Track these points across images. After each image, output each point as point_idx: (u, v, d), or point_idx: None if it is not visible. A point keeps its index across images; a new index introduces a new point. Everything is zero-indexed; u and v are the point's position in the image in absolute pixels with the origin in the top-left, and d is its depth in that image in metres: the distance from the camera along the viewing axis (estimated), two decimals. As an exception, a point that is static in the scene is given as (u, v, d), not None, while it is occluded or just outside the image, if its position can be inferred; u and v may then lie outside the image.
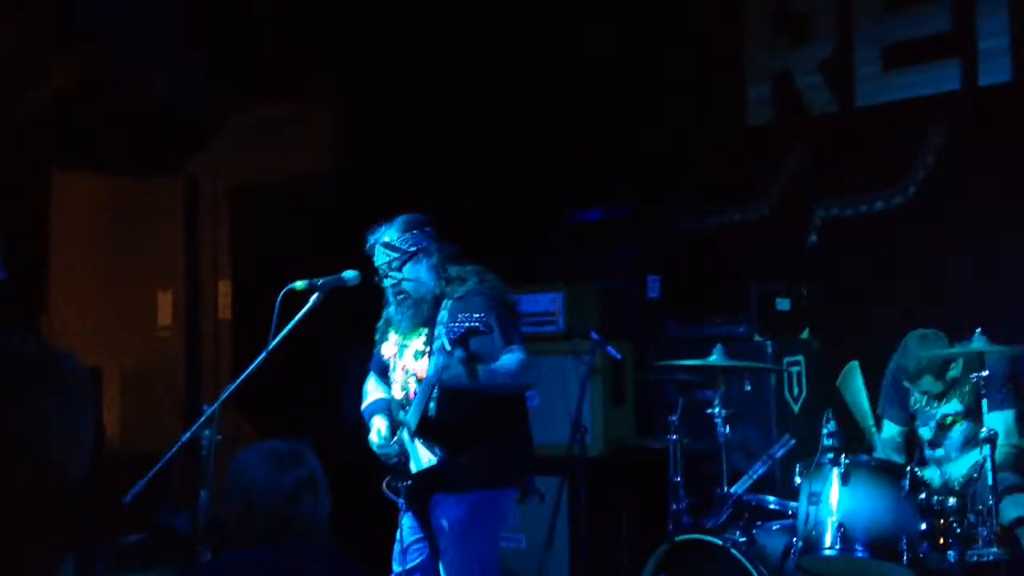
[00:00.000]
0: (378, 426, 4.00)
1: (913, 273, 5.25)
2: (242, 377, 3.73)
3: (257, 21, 6.39)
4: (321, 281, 3.92)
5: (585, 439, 5.06)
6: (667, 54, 6.16)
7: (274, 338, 3.78)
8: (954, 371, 4.30)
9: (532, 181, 6.41)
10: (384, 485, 4.01)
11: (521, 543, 5.66)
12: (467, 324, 3.69)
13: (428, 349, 3.92)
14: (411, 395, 3.97)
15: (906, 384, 4.46)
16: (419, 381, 3.94)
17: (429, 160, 6.70)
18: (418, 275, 3.96)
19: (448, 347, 3.71)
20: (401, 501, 3.96)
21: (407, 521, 4.00)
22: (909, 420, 4.60)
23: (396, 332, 4.08)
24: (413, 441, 3.88)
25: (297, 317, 3.88)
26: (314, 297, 3.91)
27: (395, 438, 3.93)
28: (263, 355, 3.76)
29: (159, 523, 6.15)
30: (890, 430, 4.68)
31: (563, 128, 6.36)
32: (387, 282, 3.99)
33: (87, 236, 7.98)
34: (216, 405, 3.70)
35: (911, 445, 4.56)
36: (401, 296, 3.98)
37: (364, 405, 4.16)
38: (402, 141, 6.84)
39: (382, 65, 6.86)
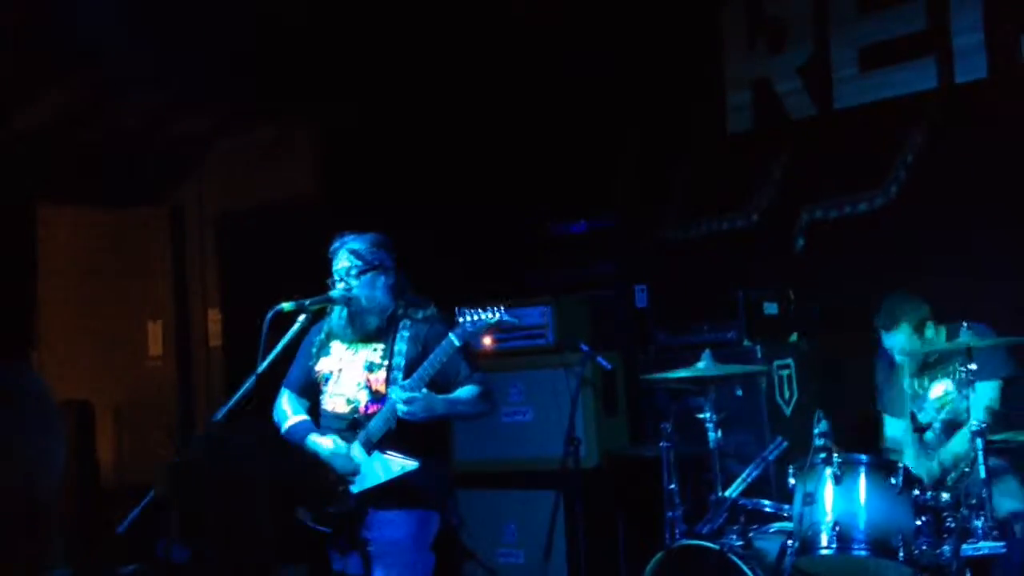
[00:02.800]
0: (328, 442, 3.97)
1: (898, 272, 5.26)
2: (233, 400, 3.75)
3: (237, 49, 6.41)
4: (308, 301, 3.94)
5: (579, 451, 5.07)
6: (647, 65, 6.19)
7: (263, 360, 3.80)
8: (928, 332, 4.43)
9: (517, 196, 6.43)
10: (309, 519, 3.97)
11: (520, 558, 5.66)
12: (491, 319, 3.84)
13: (388, 363, 3.95)
14: (362, 408, 3.97)
15: (885, 340, 4.53)
16: (373, 393, 3.96)
17: (414, 180, 6.72)
18: (373, 289, 4.01)
19: (457, 343, 3.83)
20: (328, 531, 3.95)
21: (336, 549, 3.98)
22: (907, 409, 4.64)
23: (342, 342, 4.08)
24: (372, 455, 3.88)
25: (286, 338, 3.91)
26: (302, 318, 3.93)
27: (350, 453, 3.93)
28: (253, 377, 3.77)
29: (156, 554, 6.12)
30: (893, 428, 4.70)
31: (546, 142, 6.38)
32: (338, 290, 4.00)
33: (75, 269, 7.96)
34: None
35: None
36: (351, 304, 3.99)
37: (288, 425, 4.09)
38: (386, 162, 6.87)
39: (363, 87, 6.88)
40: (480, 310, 3.89)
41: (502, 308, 3.89)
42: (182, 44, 6.20)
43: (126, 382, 7.94)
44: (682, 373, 4.45)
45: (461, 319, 3.90)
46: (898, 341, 4.52)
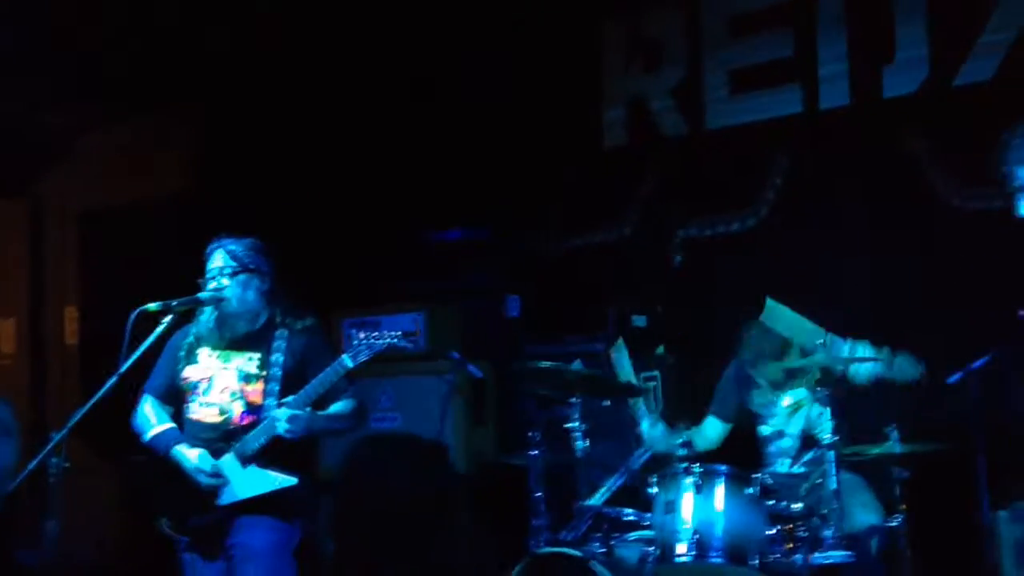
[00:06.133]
0: (194, 455, 3.89)
1: (768, 290, 5.43)
2: (92, 401, 3.62)
3: (107, 43, 6.23)
4: (175, 302, 3.85)
5: (447, 458, 5.08)
6: (526, 78, 6.25)
7: (125, 361, 3.69)
8: (791, 361, 4.52)
9: (392, 202, 6.41)
10: (167, 526, 3.93)
11: (384, 565, 5.62)
12: (387, 341, 3.81)
13: (264, 374, 3.90)
14: (236, 419, 3.90)
15: (750, 372, 4.66)
16: (249, 404, 3.90)
17: (289, 183, 6.64)
18: (245, 292, 3.95)
19: (350, 364, 3.79)
20: (185, 539, 3.90)
21: (190, 558, 3.93)
22: (737, 418, 4.79)
23: (211, 348, 4.00)
24: (246, 467, 3.82)
25: (149, 339, 3.80)
26: (167, 319, 3.83)
27: (217, 466, 3.87)
28: (114, 378, 3.66)
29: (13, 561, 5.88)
30: (713, 428, 4.85)
31: (423, 149, 6.38)
32: (207, 291, 3.93)
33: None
34: (64, 431, 3.58)
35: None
36: (220, 306, 3.93)
37: (153, 434, 3.99)
38: (256, 164, 6.77)
39: (235, 88, 6.77)
40: (374, 331, 3.86)
41: (398, 333, 3.87)
42: (53, 34, 6.01)
43: (-26, 380, 7.61)
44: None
45: (355, 340, 3.85)
46: (765, 375, 4.66)
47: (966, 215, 5.01)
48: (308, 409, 3.82)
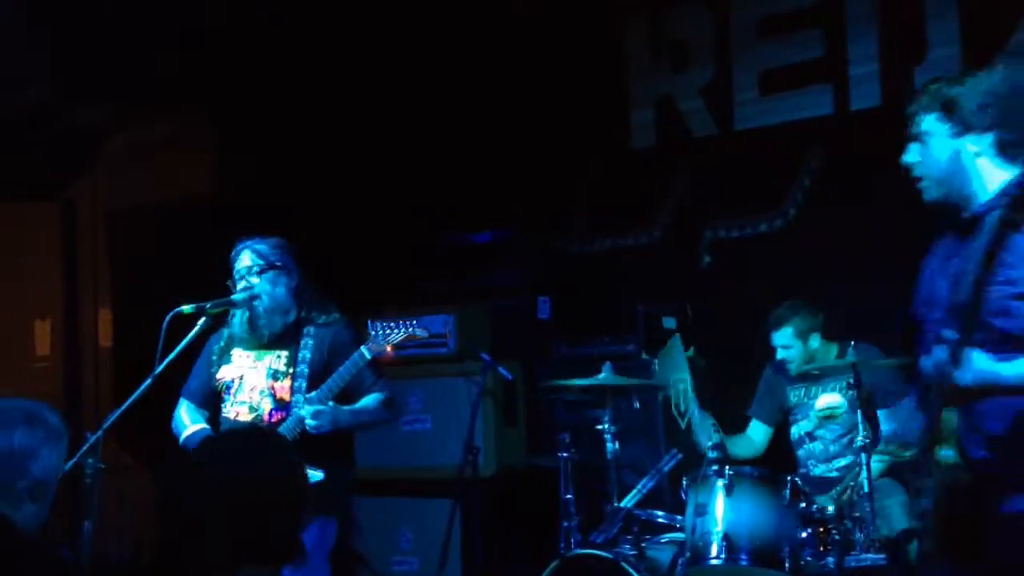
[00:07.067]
0: None
1: (795, 291, 5.42)
2: (128, 402, 3.67)
3: (133, 43, 6.28)
4: (209, 304, 3.89)
5: (477, 460, 5.10)
6: (553, 79, 6.25)
7: (160, 363, 3.73)
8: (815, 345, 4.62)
9: (423, 203, 6.42)
10: None
11: (414, 565, 5.65)
12: (404, 331, 3.87)
13: (292, 371, 3.92)
14: (266, 416, 3.94)
15: (772, 338, 4.72)
16: (277, 401, 3.93)
17: (317, 184, 6.67)
18: (274, 288, 3.98)
19: (368, 355, 3.83)
20: None
21: None
22: (779, 419, 4.80)
23: (244, 348, 4.04)
24: None
25: (184, 341, 3.84)
26: (201, 321, 3.88)
27: None
28: (149, 380, 3.70)
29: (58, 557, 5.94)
30: (756, 432, 4.86)
31: (453, 150, 6.39)
32: (240, 292, 3.96)
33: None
34: (100, 432, 3.63)
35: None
36: (254, 304, 3.96)
37: (187, 434, 4.03)
38: (286, 163, 6.79)
39: (263, 86, 6.80)
40: (391, 323, 3.90)
41: (413, 321, 3.91)
42: (77, 35, 6.05)
43: (11, 383, 7.67)
44: (583, 382, 4.50)
45: (373, 332, 3.89)
46: (781, 339, 4.71)
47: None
48: (332, 403, 3.84)
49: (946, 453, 2.52)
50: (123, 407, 3.68)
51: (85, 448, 3.56)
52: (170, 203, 7.35)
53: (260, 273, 3.97)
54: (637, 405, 4.92)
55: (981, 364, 2.46)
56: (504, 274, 6.19)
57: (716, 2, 5.93)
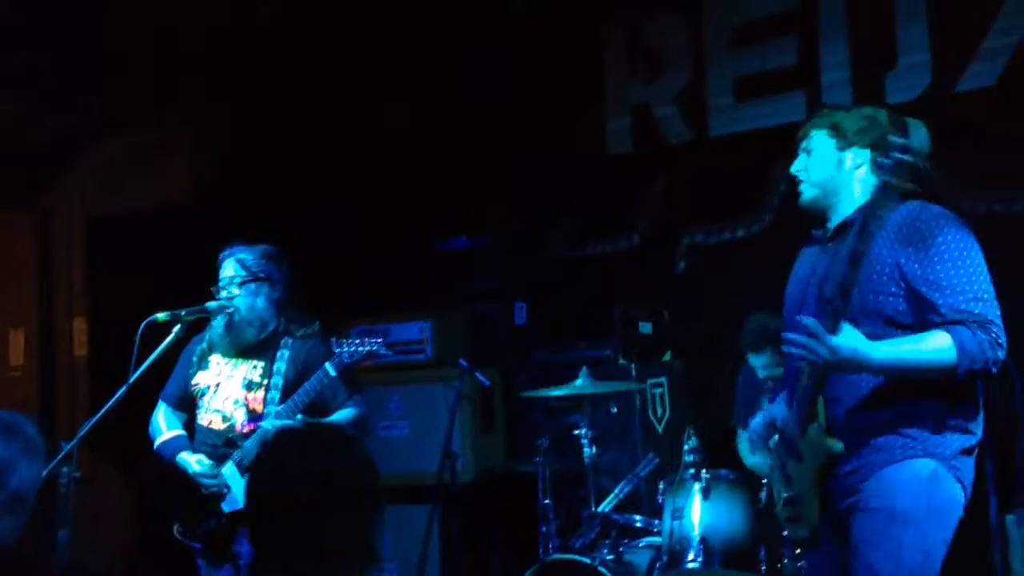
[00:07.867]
0: (194, 461, 3.93)
1: (773, 297, 5.44)
2: (103, 411, 3.65)
3: (109, 50, 6.25)
4: (184, 312, 3.88)
5: (455, 466, 5.10)
6: (533, 85, 6.27)
7: (134, 371, 3.72)
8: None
9: (399, 211, 6.42)
10: (179, 532, 3.94)
11: (393, 572, 5.63)
12: (367, 348, 3.84)
13: (266, 383, 3.92)
14: (238, 427, 3.94)
15: (750, 358, 4.72)
16: (250, 412, 3.93)
17: (294, 191, 6.65)
18: (255, 300, 3.97)
19: (333, 372, 3.82)
20: (198, 546, 3.92)
21: (204, 565, 3.96)
22: None
23: (222, 355, 4.04)
24: (244, 476, 3.83)
25: (159, 349, 3.83)
26: (176, 328, 3.86)
27: (218, 472, 3.89)
28: (124, 388, 3.68)
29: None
30: (745, 440, 4.88)
31: (431, 158, 6.40)
32: (215, 300, 3.96)
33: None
34: (75, 441, 3.61)
35: None
36: (230, 313, 3.95)
37: (161, 441, 4.05)
38: (263, 170, 6.78)
39: (238, 93, 6.79)
40: (357, 339, 3.89)
41: (380, 339, 3.91)
42: (51, 42, 6.02)
43: (-17, 392, 7.62)
44: (560, 391, 4.51)
45: (337, 349, 3.88)
46: (758, 361, 4.71)
47: (971, 220, 5.01)
48: (299, 418, 3.83)
49: (814, 427, 2.82)
50: (97, 416, 3.65)
51: (60, 457, 3.54)
52: (146, 211, 7.31)
53: (241, 285, 3.96)
54: (614, 410, 4.94)
55: (852, 336, 2.66)
56: (481, 280, 6.20)
57: (690, 11, 5.97)
